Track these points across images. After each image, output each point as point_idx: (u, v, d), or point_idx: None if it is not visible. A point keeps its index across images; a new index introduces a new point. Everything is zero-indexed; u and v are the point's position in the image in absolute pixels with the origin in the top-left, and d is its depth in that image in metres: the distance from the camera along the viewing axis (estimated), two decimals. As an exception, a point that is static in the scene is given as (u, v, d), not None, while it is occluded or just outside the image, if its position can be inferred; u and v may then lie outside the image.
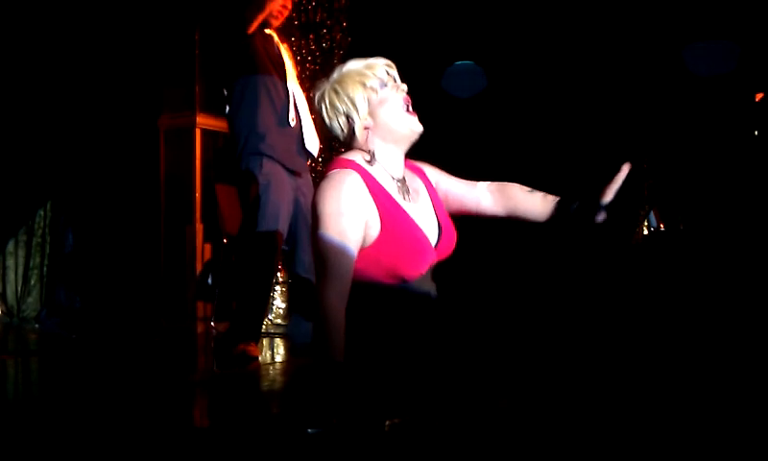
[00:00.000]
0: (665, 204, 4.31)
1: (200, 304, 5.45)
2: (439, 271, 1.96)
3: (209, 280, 5.23)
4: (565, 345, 2.05)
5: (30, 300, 5.73)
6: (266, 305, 3.58)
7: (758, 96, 4.24)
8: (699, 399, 2.01)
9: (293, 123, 3.45)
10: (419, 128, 1.94)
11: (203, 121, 5.50)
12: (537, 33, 5.45)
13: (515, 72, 5.59)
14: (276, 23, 3.55)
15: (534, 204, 2.08)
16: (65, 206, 5.76)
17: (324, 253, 1.83)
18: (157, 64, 5.65)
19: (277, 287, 4.87)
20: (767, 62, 4.76)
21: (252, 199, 3.39)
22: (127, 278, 5.68)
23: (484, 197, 2.10)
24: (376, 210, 1.86)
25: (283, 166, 3.40)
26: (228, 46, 3.48)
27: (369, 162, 1.93)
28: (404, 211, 1.90)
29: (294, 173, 3.43)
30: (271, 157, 3.38)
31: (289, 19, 3.72)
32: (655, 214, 4.26)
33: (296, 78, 3.59)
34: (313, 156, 3.53)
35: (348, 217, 1.82)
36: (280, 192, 3.38)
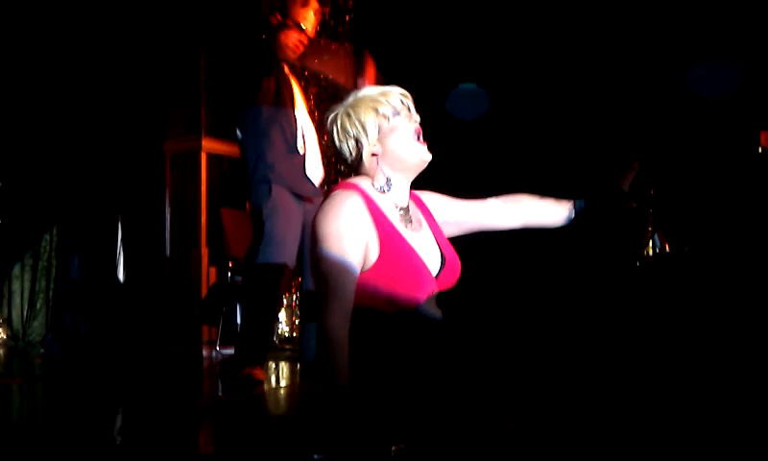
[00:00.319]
0: (670, 225, 4.30)
1: (205, 328, 5.44)
2: (443, 295, 1.95)
3: (215, 304, 5.23)
4: (572, 367, 2.05)
5: (35, 324, 5.73)
6: (271, 331, 3.60)
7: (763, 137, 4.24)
8: (705, 421, 2.00)
9: (301, 150, 3.49)
10: (427, 157, 1.94)
11: (208, 145, 5.53)
12: (540, 55, 5.47)
13: (518, 94, 5.61)
14: (292, 56, 3.60)
15: (547, 209, 2.13)
16: (71, 230, 5.78)
17: (325, 273, 1.83)
18: (163, 89, 5.69)
19: (283, 311, 4.87)
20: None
21: (259, 227, 3.42)
22: (132, 301, 5.68)
23: (497, 211, 2.13)
24: (376, 234, 1.86)
25: (292, 193, 3.43)
26: (247, 74, 3.52)
27: (374, 188, 1.93)
28: (404, 239, 1.90)
29: (303, 199, 3.46)
30: (279, 185, 3.41)
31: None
32: (659, 236, 4.25)
33: (306, 108, 3.64)
34: (313, 184, 3.54)
35: (349, 238, 1.82)
36: (287, 221, 3.41)
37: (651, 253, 4.28)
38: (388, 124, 1.92)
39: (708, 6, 4.89)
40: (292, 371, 4.15)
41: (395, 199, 1.95)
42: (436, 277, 1.92)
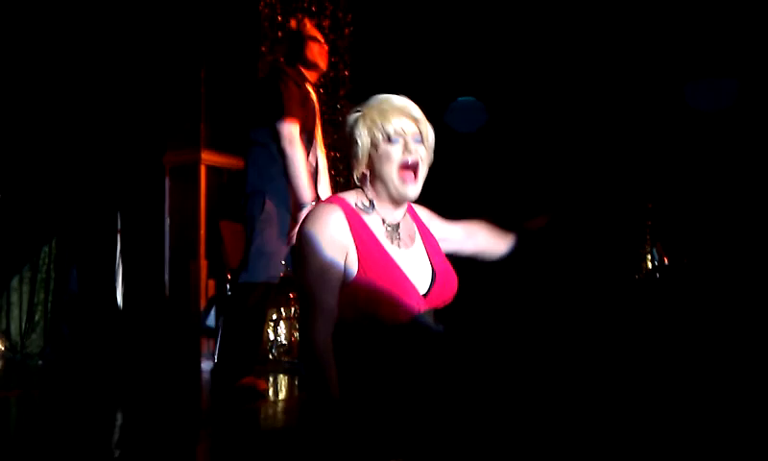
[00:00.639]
0: (669, 238, 4.31)
1: (203, 340, 5.44)
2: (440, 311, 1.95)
3: (211, 316, 5.22)
4: (570, 380, 2.05)
5: (34, 336, 5.72)
6: (258, 341, 3.61)
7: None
8: (703, 429, 2.00)
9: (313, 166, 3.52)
10: (409, 196, 1.91)
11: (208, 158, 5.54)
12: (538, 68, 5.49)
13: (516, 107, 5.63)
14: (323, 67, 3.65)
15: (494, 244, 2.14)
16: (70, 242, 5.78)
17: (306, 289, 1.84)
18: (163, 101, 5.71)
19: (281, 323, 4.86)
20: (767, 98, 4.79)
21: (250, 238, 3.43)
22: (131, 313, 5.68)
23: (459, 237, 2.13)
24: (355, 248, 1.85)
25: (287, 210, 3.44)
26: (263, 89, 3.53)
27: (362, 204, 1.92)
28: (387, 255, 1.88)
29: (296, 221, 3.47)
30: (273, 199, 3.41)
31: None
32: (658, 249, 4.26)
33: (319, 129, 3.66)
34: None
35: (329, 253, 1.82)
36: (279, 232, 3.41)
37: (650, 265, 4.29)
38: (377, 151, 1.89)
39: (705, 21, 4.92)
40: (290, 383, 4.14)
41: (383, 215, 1.94)
42: (425, 294, 1.91)
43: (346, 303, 1.84)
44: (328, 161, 3.82)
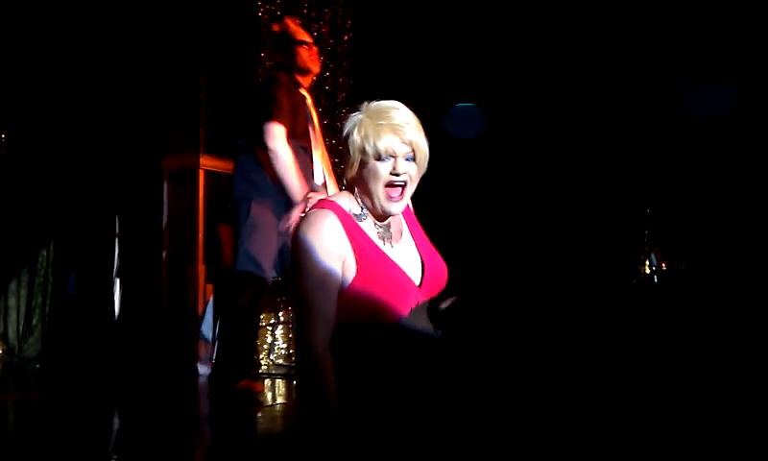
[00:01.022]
0: (667, 244, 4.31)
1: (201, 345, 5.42)
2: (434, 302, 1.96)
3: (209, 321, 5.21)
4: (568, 385, 2.05)
5: (31, 340, 5.71)
6: (252, 343, 3.61)
7: None
8: (701, 434, 2.00)
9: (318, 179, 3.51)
10: (392, 212, 1.93)
11: (206, 162, 5.53)
12: (537, 75, 5.51)
13: (515, 114, 5.64)
14: (305, 78, 3.59)
15: None
16: (68, 246, 5.77)
17: (304, 295, 1.84)
18: (162, 106, 5.70)
19: (279, 327, 4.86)
20: (766, 104, 4.80)
21: (237, 242, 3.44)
22: (128, 317, 5.67)
23: None
24: (352, 251, 1.87)
25: (274, 215, 3.44)
26: (253, 94, 3.53)
27: (353, 211, 1.93)
28: (384, 255, 1.91)
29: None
30: (259, 204, 3.42)
31: None
32: (656, 254, 4.26)
33: (318, 135, 3.63)
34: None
35: (325, 258, 1.83)
36: (265, 239, 3.42)
37: (647, 270, 4.29)
38: (367, 165, 1.90)
39: (703, 28, 4.93)
40: (287, 387, 4.14)
41: (374, 217, 1.96)
42: (420, 285, 1.93)
43: (346, 305, 1.85)
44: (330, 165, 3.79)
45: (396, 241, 1.98)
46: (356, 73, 5.58)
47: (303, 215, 1.96)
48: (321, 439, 1.81)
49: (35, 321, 5.73)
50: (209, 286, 5.53)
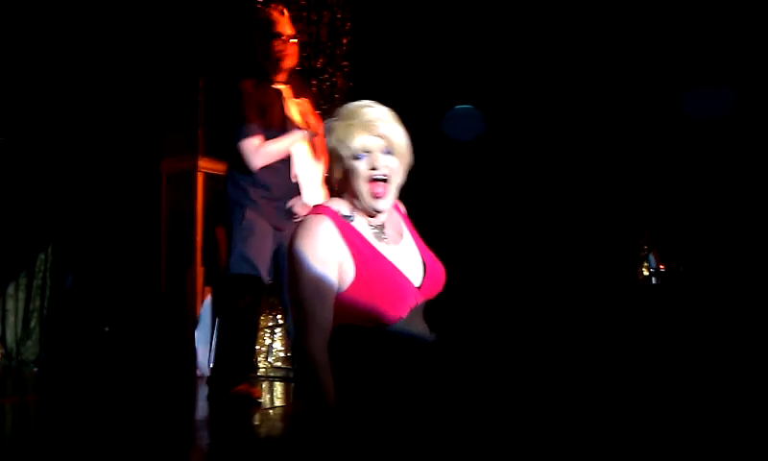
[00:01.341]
0: (665, 245, 4.31)
1: (199, 348, 5.42)
2: (432, 311, 1.96)
3: (205, 324, 5.21)
4: (566, 386, 2.04)
5: (29, 343, 5.70)
6: (250, 346, 3.59)
7: None
8: (699, 437, 2.00)
9: (293, 176, 3.48)
10: (379, 209, 1.94)
11: (205, 165, 5.53)
12: (536, 77, 5.51)
13: (513, 116, 5.64)
14: (284, 65, 3.52)
15: None
16: (66, 248, 5.77)
17: (301, 298, 1.85)
18: (160, 108, 5.70)
19: (277, 330, 4.85)
20: (763, 107, 4.80)
21: (231, 247, 3.43)
22: (126, 320, 5.66)
23: None
24: (350, 255, 1.87)
25: (267, 219, 3.43)
26: (230, 95, 3.51)
27: (344, 214, 1.94)
28: (381, 255, 1.91)
29: (277, 228, 3.45)
30: (252, 210, 3.41)
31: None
32: (655, 256, 4.26)
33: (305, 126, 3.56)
34: (280, 211, 3.47)
35: (322, 263, 1.84)
36: (260, 244, 3.41)
37: (646, 272, 4.29)
38: (346, 166, 1.93)
39: (701, 31, 4.94)
40: (286, 390, 4.13)
41: (367, 218, 1.97)
42: (419, 287, 1.93)
43: (346, 308, 1.86)
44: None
45: (396, 243, 1.98)
46: (355, 75, 5.58)
47: (299, 221, 1.96)
48: (319, 442, 1.81)
49: (33, 324, 5.72)
50: (208, 288, 5.53)
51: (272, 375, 4.70)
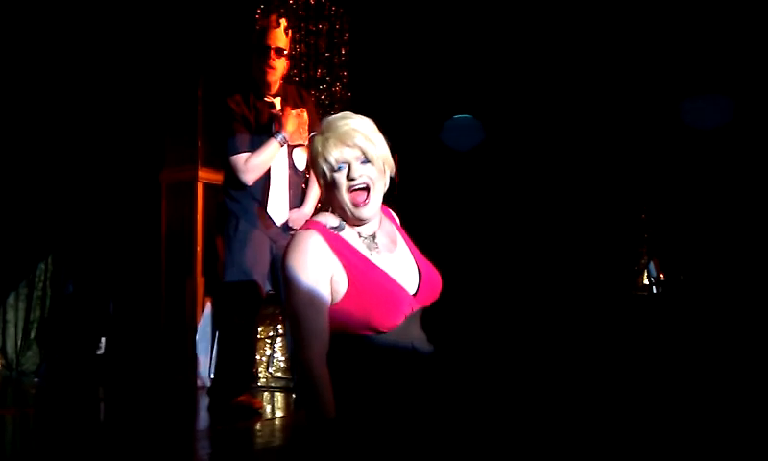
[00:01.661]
0: (665, 254, 4.32)
1: (199, 358, 5.41)
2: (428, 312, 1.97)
3: (205, 334, 5.21)
4: (566, 395, 2.05)
5: (29, 353, 5.71)
6: (250, 356, 3.59)
7: None
8: (699, 445, 2.00)
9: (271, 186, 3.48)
10: (362, 216, 1.97)
11: (204, 175, 5.54)
12: (534, 86, 5.52)
13: (512, 125, 5.65)
14: (270, 80, 3.50)
15: None
16: (66, 259, 5.78)
17: (296, 315, 1.88)
18: (160, 119, 5.72)
19: (278, 340, 4.85)
20: (763, 115, 4.82)
21: (226, 257, 3.44)
22: (127, 331, 5.66)
23: None
24: (341, 266, 1.90)
25: (261, 230, 3.44)
26: (217, 110, 3.51)
27: (332, 227, 1.96)
28: (372, 264, 1.94)
29: (272, 239, 3.46)
30: (246, 221, 3.42)
31: (289, 75, 3.74)
32: (655, 264, 4.27)
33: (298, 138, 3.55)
34: (275, 223, 3.48)
35: (313, 277, 1.88)
36: (256, 250, 3.41)
37: (646, 281, 4.29)
38: (327, 179, 1.97)
39: (700, 39, 4.96)
40: (286, 401, 4.13)
41: (357, 229, 1.99)
42: (415, 294, 1.95)
43: (341, 318, 1.88)
44: None
45: (390, 251, 2.01)
46: (354, 85, 5.59)
47: (291, 237, 1.99)
48: (319, 452, 1.82)
49: (33, 334, 5.72)
50: (207, 298, 5.53)
51: (272, 385, 4.69)
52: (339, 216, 1.99)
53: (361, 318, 1.88)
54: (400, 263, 2.00)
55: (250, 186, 3.42)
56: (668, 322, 3.77)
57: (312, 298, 1.86)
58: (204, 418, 3.76)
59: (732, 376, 2.97)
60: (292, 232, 3.36)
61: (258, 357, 4.76)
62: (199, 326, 5.06)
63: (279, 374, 4.86)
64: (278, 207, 3.49)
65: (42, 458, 2.78)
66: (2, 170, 5.70)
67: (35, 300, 5.78)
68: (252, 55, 3.51)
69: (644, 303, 4.16)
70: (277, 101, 3.55)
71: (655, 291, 4.15)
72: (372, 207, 1.97)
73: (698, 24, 4.94)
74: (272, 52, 3.47)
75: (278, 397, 4.32)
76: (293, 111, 3.46)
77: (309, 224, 1.99)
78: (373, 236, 2.00)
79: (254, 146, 3.40)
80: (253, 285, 3.39)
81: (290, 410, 3.79)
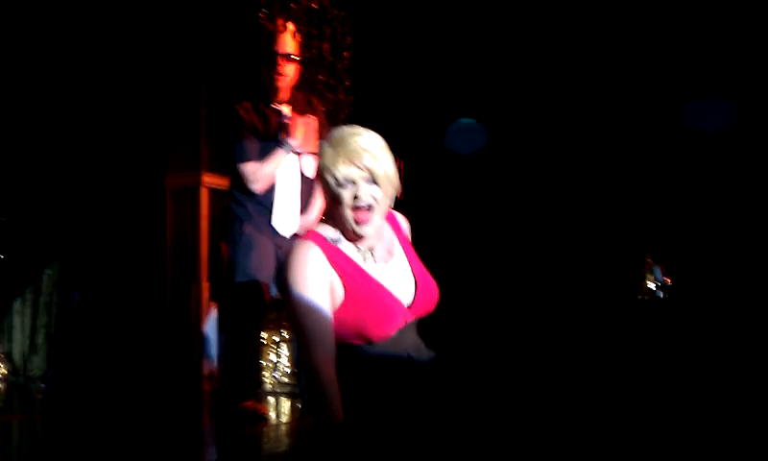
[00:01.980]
0: (671, 259, 4.32)
1: (205, 363, 5.43)
2: (427, 328, 1.99)
3: (211, 339, 5.22)
4: (570, 401, 2.05)
5: (36, 359, 5.72)
6: (255, 360, 3.60)
7: None
8: (702, 450, 2.00)
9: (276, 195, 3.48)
10: (363, 234, 1.97)
11: (209, 180, 5.55)
12: (538, 91, 5.52)
13: (516, 129, 5.66)
14: (280, 86, 3.51)
15: None
16: (72, 265, 5.79)
17: (299, 323, 1.90)
18: (164, 124, 5.73)
19: (283, 345, 4.86)
20: (767, 118, 4.81)
21: (231, 262, 3.44)
22: (132, 335, 5.67)
23: None
24: (338, 277, 1.92)
25: (266, 235, 3.45)
26: (227, 117, 3.51)
27: (331, 239, 1.98)
28: (368, 275, 1.96)
29: (277, 245, 3.46)
30: (252, 225, 3.43)
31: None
32: (661, 269, 4.27)
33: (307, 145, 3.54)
34: (279, 234, 3.48)
35: (313, 285, 1.89)
36: (261, 255, 3.42)
37: (652, 286, 4.29)
38: (331, 192, 1.97)
39: (704, 42, 4.95)
40: (293, 406, 4.14)
41: (355, 240, 2.00)
42: (410, 305, 1.96)
43: (336, 328, 1.89)
44: None
45: (386, 261, 2.02)
46: (357, 90, 5.60)
47: (289, 249, 2.01)
48: (326, 458, 1.83)
49: (39, 340, 5.73)
50: (213, 304, 5.54)
51: (278, 390, 4.70)
52: (339, 229, 2.00)
53: (354, 328, 1.91)
54: (396, 274, 2.02)
55: (256, 192, 3.43)
56: (674, 327, 3.77)
57: (314, 311, 1.88)
58: (209, 423, 3.76)
59: (736, 381, 2.97)
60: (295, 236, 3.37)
61: (264, 363, 4.77)
62: (205, 331, 5.07)
63: (285, 379, 4.86)
64: (287, 214, 3.49)
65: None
66: (8, 177, 5.72)
67: (41, 306, 5.79)
68: (260, 61, 3.51)
69: (649, 307, 4.16)
70: (287, 108, 3.54)
71: (661, 296, 4.15)
72: (374, 226, 1.98)
73: (701, 27, 4.94)
74: (281, 58, 3.45)
75: (284, 402, 4.32)
76: (301, 119, 3.46)
77: (308, 235, 2.00)
78: (371, 247, 2.02)
79: (263, 154, 3.41)
80: (259, 290, 3.40)
81: (296, 416, 3.79)
